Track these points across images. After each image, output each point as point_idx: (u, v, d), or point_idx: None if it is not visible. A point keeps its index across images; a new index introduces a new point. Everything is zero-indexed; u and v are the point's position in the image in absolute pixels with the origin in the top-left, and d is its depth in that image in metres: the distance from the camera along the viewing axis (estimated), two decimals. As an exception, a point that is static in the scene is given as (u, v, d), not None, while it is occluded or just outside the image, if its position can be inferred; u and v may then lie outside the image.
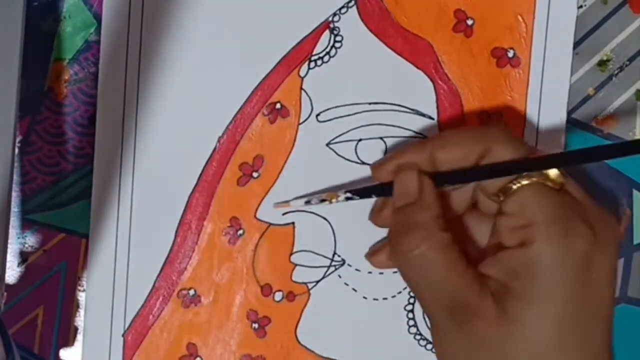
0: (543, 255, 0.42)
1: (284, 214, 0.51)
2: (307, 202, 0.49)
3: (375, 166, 0.47)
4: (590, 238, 0.42)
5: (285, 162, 0.51)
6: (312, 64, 0.50)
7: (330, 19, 0.50)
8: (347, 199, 0.48)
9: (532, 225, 0.43)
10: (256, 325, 0.51)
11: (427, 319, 0.51)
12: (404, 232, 0.44)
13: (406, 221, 0.45)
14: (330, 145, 0.51)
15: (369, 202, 0.50)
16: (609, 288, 0.44)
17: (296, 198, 0.50)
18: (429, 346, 0.51)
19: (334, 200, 0.48)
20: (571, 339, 0.43)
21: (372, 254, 0.50)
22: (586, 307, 0.43)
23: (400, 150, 0.47)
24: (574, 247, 0.42)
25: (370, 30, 0.50)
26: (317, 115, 0.51)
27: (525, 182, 0.43)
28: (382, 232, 0.50)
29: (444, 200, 0.47)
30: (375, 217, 0.48)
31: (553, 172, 0.43)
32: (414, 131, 0.51)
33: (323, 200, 0.48)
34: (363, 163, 0.51)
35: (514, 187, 0.43)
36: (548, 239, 0.42)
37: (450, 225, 0.46)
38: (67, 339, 0.50)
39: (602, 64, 0.52)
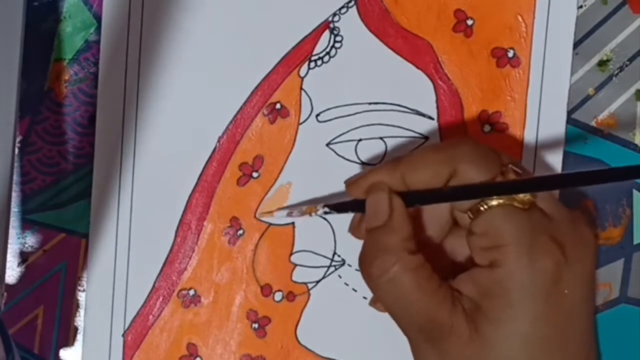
0: (511, 277, 0.42)
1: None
2: (289, 214, 0.49)
3: (349, 183, 0.47)
4: (558, 256, 0.43)
5: (285, 162, 0.51)
6: (312, 64, 0.50)
7: (330, 19, 0.50)
8: (325, 212, 0.48)
9: (499, 247, 0.43)
10: (256, 325, 0.51)
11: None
12: (374, 256, 0.44)
13: (376, 244, 0.45)
14: (330, 146, 0.51)
15: (369, 202, 0.50)
16: (584, 304, 0.44)
17: (279, 209, 0.50)
18: (429, 346, 0.51)
19: (313, 213, 0.48)
20: (544, 359, 0.43)
21: (375, 300, 0.49)
22: (559, 326, 0.43)
23: (373, 168, 0.47)
24: (541, 267, 0.42)
25: (370, 31, 0.50)
26: (317, 115, 0.51)
27: (493, 202, 0.43)
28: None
29: (422, 218, 0.47)
30: (354, 230, 0.48)
31: None
32: (414, 131, 0.51)
33: (303, 214, 0.48)
34: (363, 163, 0.51)
35: (482, 208, 0.44)
36: (515, 261, 0.42)
37: (425, 243, 0.46)
38: (67, 339, 0.50)
39: (602, 64, 0.52)
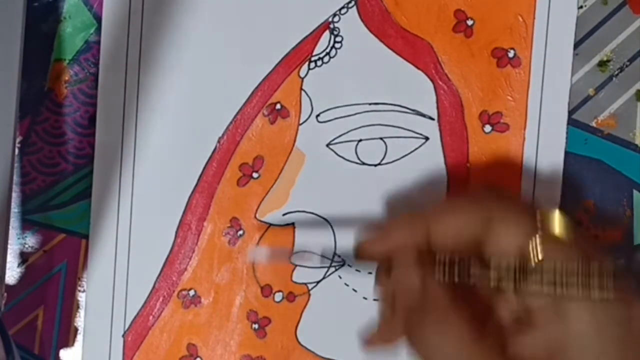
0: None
1: (284, 214, 0.51)
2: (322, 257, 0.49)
3: (363, 246, 0.44)
4: None
5: (285, 162, 0.51)
6: (312, 65, 0.50)
7: (330, 19, 0.50)
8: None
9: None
10: (256, 326, 0.51)
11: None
12: (419, 332, 0.41)
13: (417, 322, 0.41)
14: (331, 146, 0.51)
15: (369, 204, 0.50)
16: None
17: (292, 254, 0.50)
18: (429, 347, 0.51)
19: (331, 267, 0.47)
20: None
21: (368, 344, 0.46)
22: None
23: (389, 224, 0.44)
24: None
25: (370, 31, 0.50)
26: (317, 115, 0.51)
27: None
28: (382, 233, 0.50)
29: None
30: (369, 343, 0.46)
31: (559, 229, 0.41)
32: (414, 131, 0.51)
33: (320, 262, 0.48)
34: (363, 164, 0.51)
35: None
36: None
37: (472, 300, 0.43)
38: (67, 339, 0.50)
39: (602, 64, 0.52)
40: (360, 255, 0.44)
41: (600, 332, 0.38)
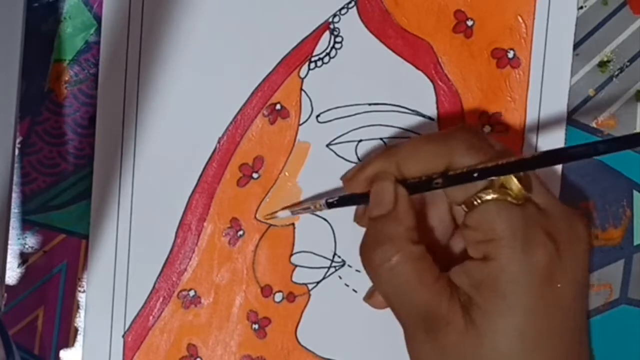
0: (504, 270, 0.43)
1: (284, 214, 0.51)
2: (293, 212, 0.50)
3: (346, 179, 0.47)
4: (551, 251, 0.43)
5: (285, 163, 0.51)
6: (312, 65, 0.50)
7: (331, 19, 0.50)
8: (329, 207, 0.48)
9: (493, 241, 0.43)
10: (256, 326, 0.51)
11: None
12: (376, 244, 0.45)
13: (379, 233, 0.45)
14: (331, 146, 0.51)
15: (369, 203, 0.50)
16: (577, 299, 0.44)
17: (283, 209, 0.50)
18: (429, 347, 0.51)
19: (317, 210, 0.48)
20: (537, 352, 0.43)
21: (370, 296, 0.50)
22: (552, 320, 0.43)
23: (367, 160, 0.47)
24: (534, 260, 0.42)
25: (370, 31, 0.50)
26: (317, 116, 0.51)
27: (487, 197, 0.43)
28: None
29: (427, 218, 0.47)
30: (359, 219, 0.48)
31: (515, 187, 0.43)
32: (414, 132, 0.51)
33: (307, 211, 0.49)
34: (363, 164, 0.51)
35: (476, 202, 0.44)
36: (508, 254, 0.43)
37: (428, 239, 0.46)
38: (67, 339, 0.50)
39: (602, 65, 0.52)
40: (346, 187, 0.48)
41: (527, 275, 0.43)
